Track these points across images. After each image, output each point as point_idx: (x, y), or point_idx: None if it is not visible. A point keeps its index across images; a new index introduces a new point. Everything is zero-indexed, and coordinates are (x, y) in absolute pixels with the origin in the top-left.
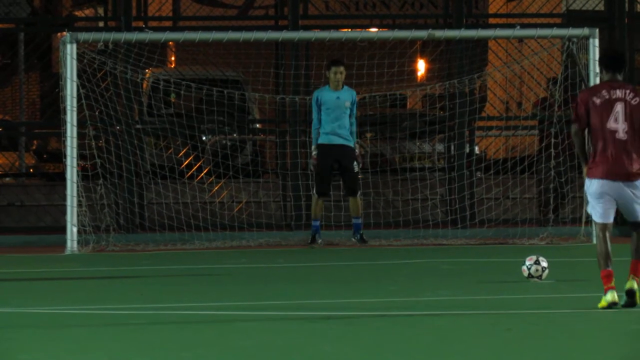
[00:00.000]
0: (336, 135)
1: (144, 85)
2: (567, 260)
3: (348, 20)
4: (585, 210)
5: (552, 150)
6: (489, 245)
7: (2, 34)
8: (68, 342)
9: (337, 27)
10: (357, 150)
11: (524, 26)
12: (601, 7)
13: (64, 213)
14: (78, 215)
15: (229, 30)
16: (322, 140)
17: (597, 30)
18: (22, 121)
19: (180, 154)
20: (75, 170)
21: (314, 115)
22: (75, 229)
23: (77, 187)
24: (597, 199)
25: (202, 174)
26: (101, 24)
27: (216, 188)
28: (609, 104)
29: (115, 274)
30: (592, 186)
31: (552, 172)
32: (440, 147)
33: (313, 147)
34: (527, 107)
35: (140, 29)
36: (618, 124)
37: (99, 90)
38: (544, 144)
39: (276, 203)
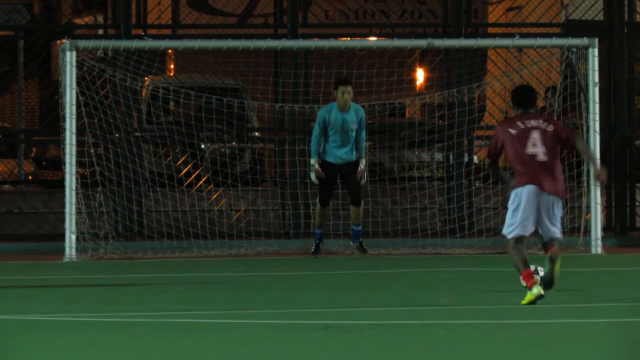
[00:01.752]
0: (340, 157)
1: (143, 93)
2: (566, 270)
3: (347, 29)
4: (585, 220)
5: None
6: (487, 255)
7: (1, 41)
8: (67, 349)
9: (336, 36)
10: (361, 166)
11: (523, 36)
12: (601, 16)
13: (63, 220)
14: (77, 223)
15: (228, 39)
16: (327, 158)
17: (597, 40)
18: (21, 128)
19: (179, 162)
20: (74, 177)
21: (316, 131)
22: (74, 237)
23: (76, 194)
24: (519, 209)
25: (201, 182)
26: (101, 31)
27: (215, 196)
28: (526, 133)
29: (114, 281)
30: (518, 195)
31: None
32: (439, 157)
33: (313, 160)
34: None
35: (140, 37)
36: (537, 148)
37: (98, 98)
38: None
39: (275, 211)
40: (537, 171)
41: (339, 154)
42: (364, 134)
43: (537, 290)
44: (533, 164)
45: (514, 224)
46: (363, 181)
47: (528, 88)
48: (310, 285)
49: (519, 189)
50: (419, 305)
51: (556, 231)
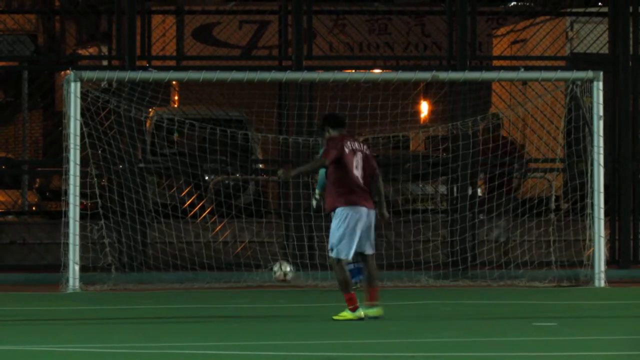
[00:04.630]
0: None
1: (147, 124)
2: (569, 303)
3: (352, 61)
4: (588, 255)
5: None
6: (491, 288)
7: (5, 72)
8: None
9: (340, 68)
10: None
11: (528, 69)
12: (605, 50)
13: (67, 251)
14: (80, 254)
15: (232, 70)
16: None
17: (602, 73)
18: (25, 159)
19: (183, 193)
20: (77, 208)
21: None
22: (77, 267)
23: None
24: (351, 232)
25: (205, 213)
26: (105, 62)
27: (218, 228)
28: (353, 155)
29: (117, 312)
30: (347, 214)
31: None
32: (443, 189)
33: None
34: (530, 149)
35: (144, 68)
36: (358, 171)
37: (102, 129)
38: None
39: (279, 243)
40: (357, 194)
41: None
42: None
43: (361, 312)
44: (356, 187)
45: (344, 249)
46: None
47: (339, 113)
48: (313, 317)
49: (345, 209)
50: (422, 337)
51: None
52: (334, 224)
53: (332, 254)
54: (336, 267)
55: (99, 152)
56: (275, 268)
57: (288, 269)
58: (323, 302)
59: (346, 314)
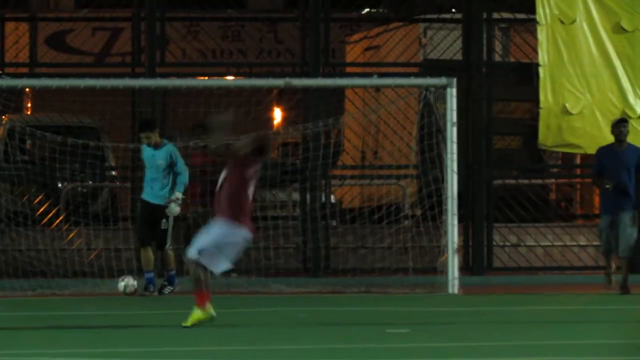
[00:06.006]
0: (152, 194)
1: (0, 132)
2: (423, 310)
3: (205, 68)
4: (442, 262)
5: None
6: (344, 294)
7: None
8: None
9: (194, 75)
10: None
11: (381, 75)
12: (459, 56)
13: None
14: None
15: (85, 77)
16: (144, 195)
17: (455, 79)
18: None
19: (36, 201)
20: None
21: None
22: None
23: None
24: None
25: (58, 221)
26: None
27: (71, 235)
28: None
29: None
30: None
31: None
32: (296, 196)
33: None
34: (383, 156)
35: None
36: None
37: None
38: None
39: (131, 250)
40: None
41: (151, 193)
42: (180, 171)
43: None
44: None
45: (224, 263)
46: (165, 225)
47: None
48: (164, 325)
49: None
50: (275, 344)
51: None
52: (216, 230)
53: (192, 255)
54: (192, 266)
55: None
56: (123, 282)
57: (134, 282)
58: (175, 308)
59: (196, 314)
